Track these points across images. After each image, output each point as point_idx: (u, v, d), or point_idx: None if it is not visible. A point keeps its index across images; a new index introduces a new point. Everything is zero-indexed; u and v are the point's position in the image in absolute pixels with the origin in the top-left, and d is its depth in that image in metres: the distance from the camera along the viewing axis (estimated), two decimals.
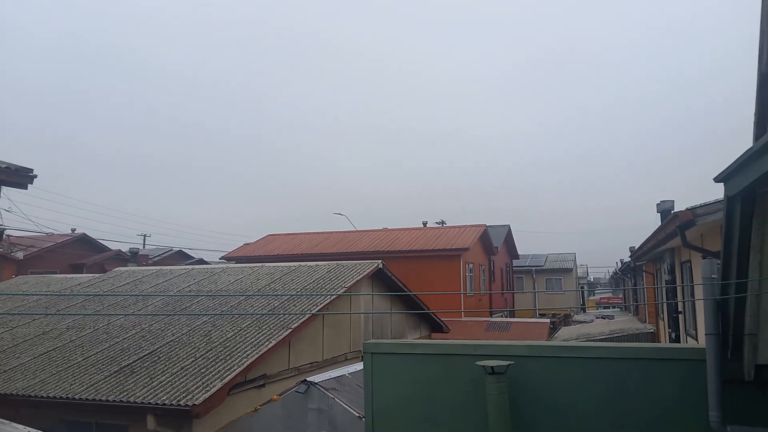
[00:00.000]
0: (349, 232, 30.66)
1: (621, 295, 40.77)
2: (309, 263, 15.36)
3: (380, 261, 14.52)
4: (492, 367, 4.84)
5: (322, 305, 11.48)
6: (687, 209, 7.35)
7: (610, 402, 4.81)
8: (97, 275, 17.87)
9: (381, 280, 14.80)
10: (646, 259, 15.98)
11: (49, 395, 8.74)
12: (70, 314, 12.68)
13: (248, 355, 9.28)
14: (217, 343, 10.01)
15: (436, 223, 35.87)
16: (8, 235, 26.52)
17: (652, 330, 17.98)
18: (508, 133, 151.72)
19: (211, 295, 12.72)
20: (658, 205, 15.86)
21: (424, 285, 22.14)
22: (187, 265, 24.75)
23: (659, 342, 16.33)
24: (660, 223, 11.49)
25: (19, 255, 27.54)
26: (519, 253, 38.58)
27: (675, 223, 7.63)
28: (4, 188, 7.61)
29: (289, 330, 10.22)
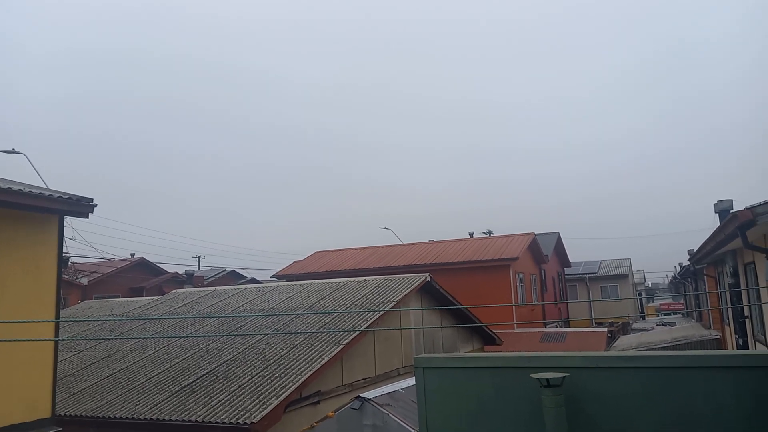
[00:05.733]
0: (395, 245, 30.71)
1: (682, 301, 39.04)
2: (357, 278, 15.47)
3: (428, 274, 14.47)
4: (547, 379, 4.74)
5: (372, 321, 11.53)
6: (746, 208, 7.04)
7: (673, 414, 4.63)
8: (156, 298, 18.59)
9: (429, 293, 14.74)
10: (706, 262, 15.30)
11: (116, 416, 9.10)
12: (132, 338, 13.21)
13: (302, 372, 9.42)
14: (272, 360, 10.20)
15: (483, 233, 35.50)
16: (73, 262, 28.00)
17: (718, 336, 17.17)
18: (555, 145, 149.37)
19: (264, 315, 12.99)
20: (715, 204, 15.22)
21: (473, 297, 21.86)
22: (240, 284, 25.37)
23: (726, 349, 15.54)
24: (719, 224, 11.00)
25: (84, 281, 28.97)
26: (571, 260, 37.59)
27: (734, 224, 7.31)
28: (67, 218, 8.03)
29: (341, 346, 10.31)
